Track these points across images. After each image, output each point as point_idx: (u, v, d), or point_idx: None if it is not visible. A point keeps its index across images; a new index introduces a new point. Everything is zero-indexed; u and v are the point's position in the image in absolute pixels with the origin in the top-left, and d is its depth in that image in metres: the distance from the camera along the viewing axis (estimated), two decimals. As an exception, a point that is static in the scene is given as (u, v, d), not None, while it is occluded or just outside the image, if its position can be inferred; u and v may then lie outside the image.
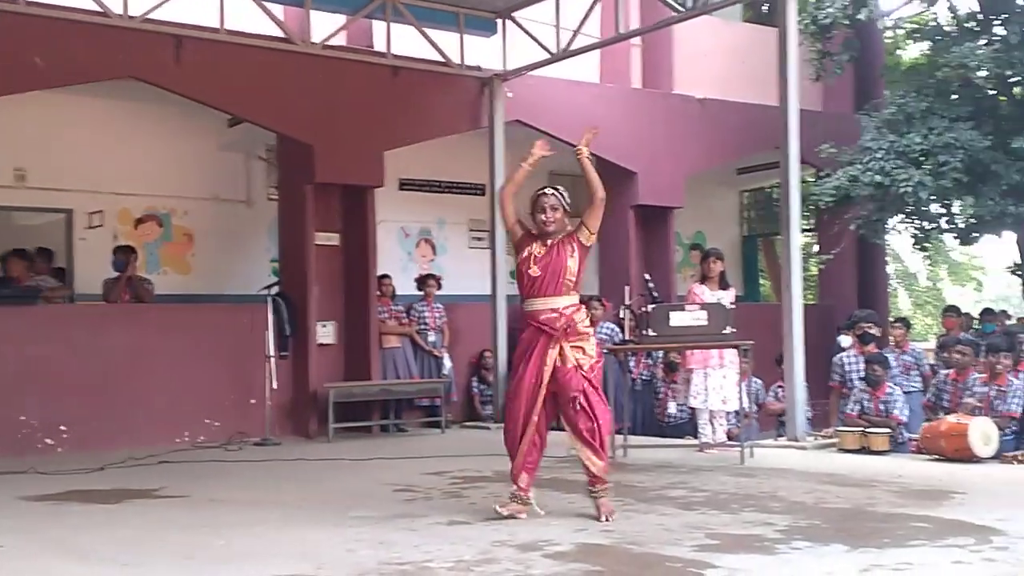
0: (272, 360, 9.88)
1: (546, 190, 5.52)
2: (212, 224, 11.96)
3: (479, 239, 13.21)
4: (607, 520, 5.27)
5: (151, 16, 9.46)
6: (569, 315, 5.39)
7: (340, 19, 10.72)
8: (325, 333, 10.64)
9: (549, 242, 5.45)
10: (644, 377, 10.84)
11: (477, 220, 13.17)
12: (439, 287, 11.64)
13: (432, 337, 11.31)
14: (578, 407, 5.33)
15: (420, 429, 10.93)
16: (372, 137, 10.72)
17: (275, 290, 10.36)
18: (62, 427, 9.16)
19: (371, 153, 10.75)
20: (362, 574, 4.25)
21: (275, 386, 9.84)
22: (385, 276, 11.16)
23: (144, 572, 4.42)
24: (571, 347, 5.34)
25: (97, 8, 9.26)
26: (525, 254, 5.45)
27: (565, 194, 5.58)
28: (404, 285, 11.82)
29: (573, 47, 11.04)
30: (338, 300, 10.84)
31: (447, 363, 11.34)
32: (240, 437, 9.59)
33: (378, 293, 10.90)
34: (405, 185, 12.95)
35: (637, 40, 13.00)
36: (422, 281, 11.63)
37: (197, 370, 9.88)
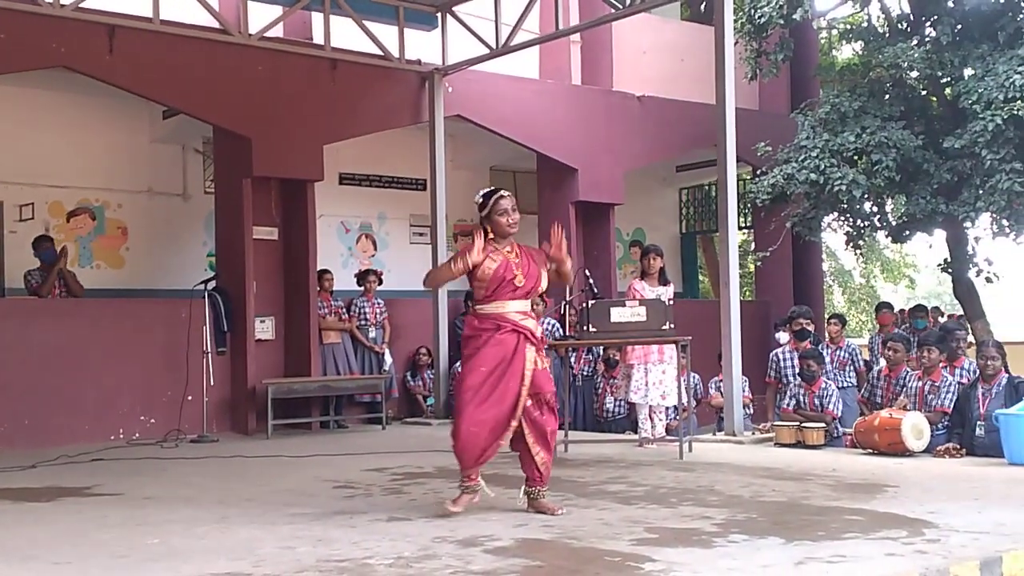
0: (209, 356, 9.75)
1: (503, 193, 5.46)
2: (147, 217, 11.77)
3: (420, 234, 13.17)
4: (561, 512, 5.33)
5: (83, 5, 9.26)
6: (536, 319, 5.52)
7: (277, 10, 10.58)
8: (264, 329, 10.52)
9: (509, 248, 5.42)
10: (585, 373, 10.89)
11: (418, 215, 13.13)
12: (380, 282, 11.58)
13: (373, 333, 11.25)
14: (547, 409, 5.39)
15: (361, 425, 10.86)
16: (311, 130, 10.62)
17: (212, 285, 10.21)
18: (-9, 424, 8.96)
19: (310, 146, 10.65)
20: (301, 571, 4.20)
21: (212, 382, 9.71)
22: (325, 271, 11.07)
23: (77, 571, 4.32)
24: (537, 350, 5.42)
25: (26, -5, 9.04)
26: (501, 260, 5.36)
27: None
28: (344, 280, 11.75)
29: (513, 43, 11.05)
30: (277, 295, 10.73)
31: (388, 359, 11.29)
32: (177, 434, 9.44)
33: (318, 288, 10.80)
34: (345, 179, 12.87)
35: (577, 37, 13.05)
36: (362, 276, 11.56)
37: (132, 366, 9.71)
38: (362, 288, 11.45)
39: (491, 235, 5.42)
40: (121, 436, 9.52)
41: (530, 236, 13.65)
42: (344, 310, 11.18)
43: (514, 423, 5.30)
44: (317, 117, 10.67)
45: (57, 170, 11.06)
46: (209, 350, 9.78)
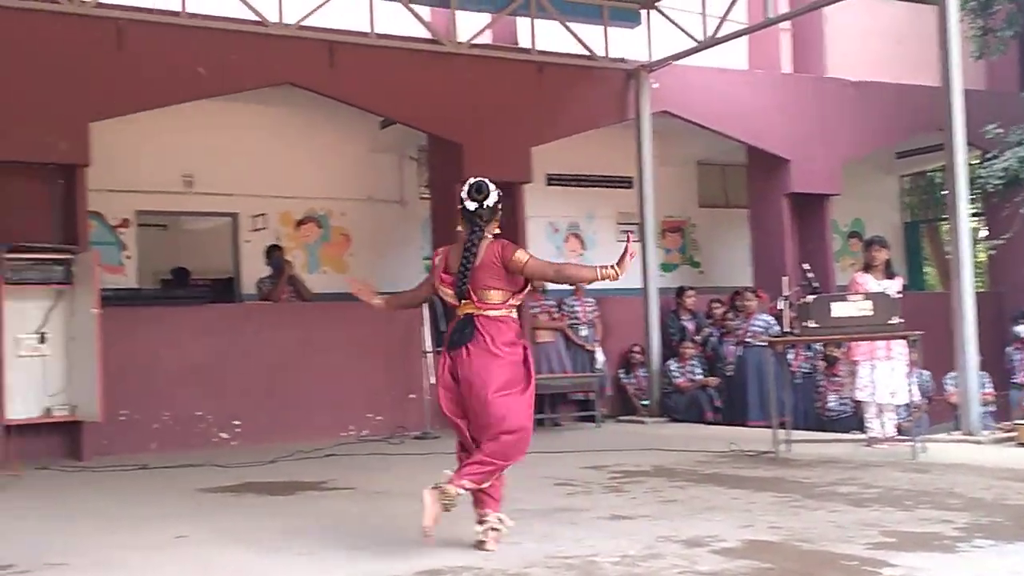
0: (429, 355, 10.07)
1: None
2: (368, 224, 12.27)
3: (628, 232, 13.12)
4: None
5: (305, 23, 9.78)
6: None
7: (486, 18, 10.83)
8: (479, 329, 10.73)
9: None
10: (804, 370, 10.57)
11: (625, 213, 13.10)
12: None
13: (584, 331, 11.31)
14: None
15: (574, 423, 10.95)
16: (519, 134, 10.79)
17: (430, 288, 10.53)
18: (235, 422, 9.58)
19: (519, 149, 10.81)
20: (528, 567, 4.26)
21: (433, 381, 10.00)
22: (536, 271, 11.18)
23: (320, 561, 4.54)
24: None
25: (255, 17, 9.62)
26: None
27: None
28: (554, 280, 11.84)
29: (720, 34, 10.84)
30: (489, 296, 10.93)
31: (600, 357, 11.32)
32: (401, 431, 9.82)
33: (529, 288, 10.92)
34: (553, 180, 13.00)
35: (786, 24, 12.67)
36: (572, 276, 11.60)
37: (359, 366, 10.15)
38: (572, 287, 11.52)
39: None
40: (351, 432, 9.97)
41: (740, 230, 13.40)
42: (555, 309, 11.29)
43: None
44: (525, 120, 10.84)
45: (286, 182, 11.70)
46: (429, 350, 10.09)
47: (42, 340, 8.81)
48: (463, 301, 4.83)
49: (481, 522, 4.71)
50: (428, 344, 10.11)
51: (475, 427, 4.82)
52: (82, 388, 8.64)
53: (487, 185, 4.85)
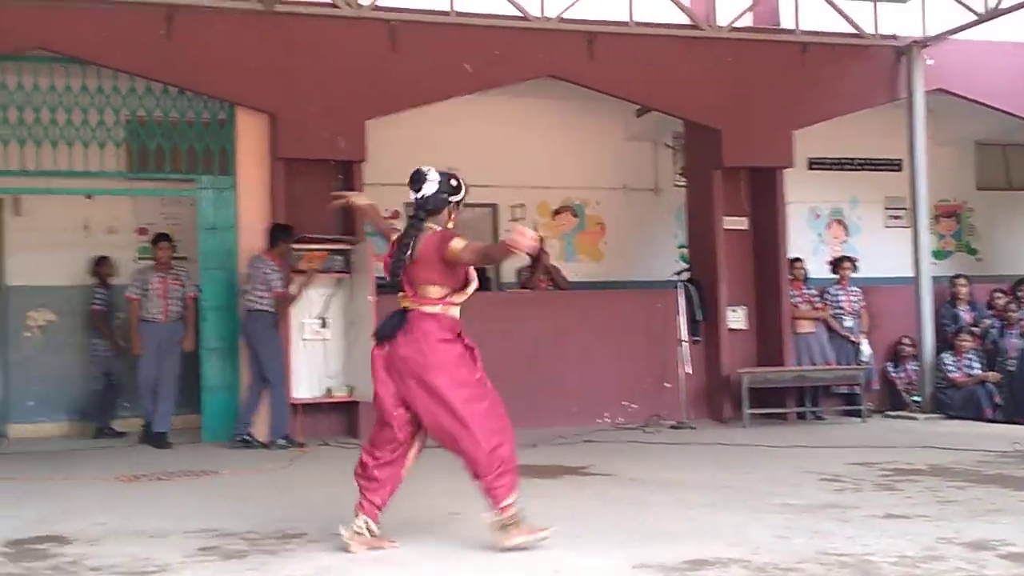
0: (685, 345, 10.01)
1: None
2: (622, 213, 12.33)
3: (896, 217, 12.52)
4: None
5: (565, 16, 9.92)
6: None
7: (747, 0, 10.58)
8: (736, 318, 10.58)
9: None
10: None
11: (894, 197, 12.49)
12: (855, 269, 11.15)
13: (848, 322, 10.87)
14: None
15: (838, 418, 10.55)
16: (781, 117, 10.49)
17: (685, 276, 10.48)
18: (497, 406, 9.89)
19: (780, 134, 10.52)
20: (800, 562, 4.16)
21: (689, 371, 9.96)
22: (797, 259, 10.89)
23: (588, 545, 4.61)
24: None
25: (517, 12, 9.87)
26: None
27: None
28: (816, 268, 11.47)
29: (1004, 4, 10.07)
30: (748, 285, 10.74)
31: (865, 349, 10.85)
32: (656, 419, 9.82)
33: (790, 277, 10.64)
34: (815, 164, 12.57)
35: (1080, -11, 11.58)
36: (836, 263, 11.21)
37: (614, 354, 10.22)
38: (836, 276, 11.11)
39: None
40: (607, 419, 10.06)
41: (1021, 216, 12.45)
42: (817, 298, 10.92)
43: None
44: (787, 103, 10.52)
45: (543, 172, 11.92)
46: (684, 339, 10.03)
47: (324, 325, 9.48)
48: (400, 294, 4.68)
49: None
50: (684, 333, 10.05)
51: (436, 433, 4.66)
52: (359, 370, 9.20)
53: (423, 173, 4.63)
